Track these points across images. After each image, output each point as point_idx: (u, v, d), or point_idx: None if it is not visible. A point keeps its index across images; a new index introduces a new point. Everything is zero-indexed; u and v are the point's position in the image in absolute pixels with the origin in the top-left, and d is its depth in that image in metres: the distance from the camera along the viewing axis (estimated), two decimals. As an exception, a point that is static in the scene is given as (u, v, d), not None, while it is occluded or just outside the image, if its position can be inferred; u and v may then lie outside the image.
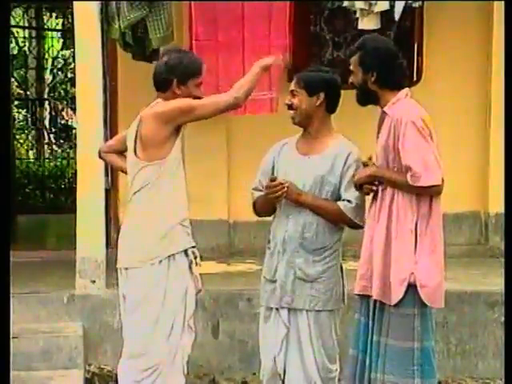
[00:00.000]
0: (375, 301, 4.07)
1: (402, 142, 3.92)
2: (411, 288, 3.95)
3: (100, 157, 4.75)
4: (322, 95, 4.21)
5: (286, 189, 4.15)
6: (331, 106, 4.27)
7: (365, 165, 4.16)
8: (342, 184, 4.20)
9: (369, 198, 4.22)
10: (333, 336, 4.28)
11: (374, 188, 4.09)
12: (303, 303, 4.23)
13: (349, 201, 4.18)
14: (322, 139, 4.27)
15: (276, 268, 4.29)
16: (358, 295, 4.18)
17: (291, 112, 4.28)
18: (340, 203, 4.19)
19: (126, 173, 4.50)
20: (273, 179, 4.21)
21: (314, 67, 4.45)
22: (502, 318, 5.95)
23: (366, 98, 4.13)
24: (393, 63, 4.06)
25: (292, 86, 4.29)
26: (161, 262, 4.30)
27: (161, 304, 4.29)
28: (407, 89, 4.11)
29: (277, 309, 4.30)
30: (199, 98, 4.35)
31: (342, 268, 4.33)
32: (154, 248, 4.29)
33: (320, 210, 4.20)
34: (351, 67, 4.13)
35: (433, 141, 3.96)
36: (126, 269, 4.34)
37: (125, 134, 4.53)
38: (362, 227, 4.25)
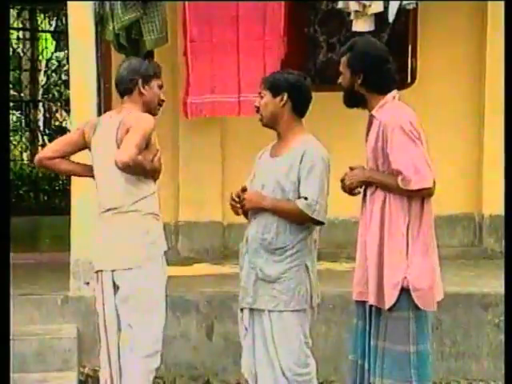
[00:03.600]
0: (371, 305, 4.06)
1: (391, 147, 3.91)
2: (405, 291, 3.94)
3: (42, 165, 4.63)
4: (285, 95, 4.24)
5: (239, 209, 4.27)
6: (297, 107, 4.28)
7: (351, 169, 4.17)
8: (300, 182, 4.20)
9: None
10: (300, 338, 4.24)
11: (359, 190, 4.10)
12: (265, 304, 4.23)
13: (305, 198, 4.17)
14: (287, 141, 4.29)
15: (241, 269, 4.35)
16: (356, 301, 4.18)
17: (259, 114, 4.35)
18: (297, 201, 4.18)
19: (80, 176, 4.72)
20: (243, 189, 4.28)
21: (281, 71, 4.50)
22: (496, 320, 5.96)
23: (353, 100, 4.14)
24: (381, 68, 4.05)
25: (260, 89, 4.35)
26: (162, 257, 4.46)
27: (163, 301, 4.44)
28: (395, 91, 4.09)
29: (242, 310, 4.33)
30: (163, 101, 4.53)
31: (307, 268, 4.26)
32: (156, 245, 4.42)
33: (280, 212, 4.21)
34: (340, 68, 4.13)
35: (422, 143, 3.94)
36: (130, 269, 4.35)
37: (71, 138, 4.63)
38: (323, 223, 4.23)
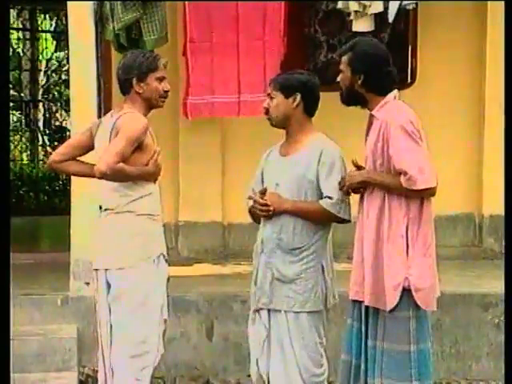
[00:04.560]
0: (367, 305, 4.06)
1: (394, 148, 3.89)
2: (405, 291, 3.94)
3: (52, 168, 4.70)
4: (298, 96, 4.23)
5: (270, 212, 4.21)
6: (309, 107, 4.28)
7: (358, 168, 4.15)
8: (320, 181, 4.20)
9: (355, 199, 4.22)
10: (315, 338, 4.25)
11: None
12: (281, 304, 4.22)
13: (329, 197, 4.17)
14: (301, 140, 4.28)
15: (257, 269, 4.33)
16: (352, 300, 4.17)
17: (268, 116, 4.31)
18: (321, 201, 4.18)
19: (89, 177, 4.56)
20: (263, 192, 4.25)
21: (290, 71, 4.46)
22: (496, 320, 5.97)
23: (352, 99, 4.13)
24: (381, 69, 4.04)
25: (269, 90, 4.31)
26: (158, 258, 4.40)
27: (161, 302, 4.40)
28: (396, 91, 4.08)
29: (258, 310, 4.32)
30: (167, 92, 4.42)
31: (323, 269, 4.26)
32: (151, 245, 4.38)
33: (302, 214, 4.20)
34: (341, 66, 4.12)
35: (423, 142, 3.95)
36: (122, 268, 4.34)
37: (78, 139, 4.61)
38: (349, 221, 4.25)
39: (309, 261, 4.22)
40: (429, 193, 3.94)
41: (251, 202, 4.41)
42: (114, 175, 4.20)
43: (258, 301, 4.29)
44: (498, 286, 5.77)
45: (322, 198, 4.20)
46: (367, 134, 4.11)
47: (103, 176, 4.19)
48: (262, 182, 4.39)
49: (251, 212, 4.42)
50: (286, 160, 4.29)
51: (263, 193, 4.25)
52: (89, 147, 4.53)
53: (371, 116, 4.07)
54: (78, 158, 4.58)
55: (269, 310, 4.27)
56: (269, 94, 4.30)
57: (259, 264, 4.30)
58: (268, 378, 4.30)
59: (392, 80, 4.10)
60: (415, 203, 3.96)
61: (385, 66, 4.07)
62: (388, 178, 3.97)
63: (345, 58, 4.10)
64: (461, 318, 6.02)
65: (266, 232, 4.27)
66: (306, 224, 4.21)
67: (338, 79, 4.14)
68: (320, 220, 4.23)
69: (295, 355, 4.21)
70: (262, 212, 4.23)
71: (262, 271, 4.28)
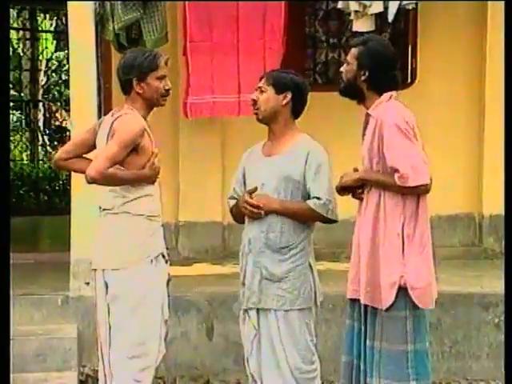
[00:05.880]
0: (366, 305, 4.06)
1: (387, 145, 3.91)
2: (402, 291, 3.94)
3: (58, 166, 4.69)
4: (289, 95, 4.24)
5: (261, 214, 4.21)
6: (297, 108, 4.29)
7: (355, 170, 4.17)
8: (307, 181, 4.20)
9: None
10: (305, 336, 4.25)
11: (361, 194, 4.12)
12: (270, 303, 4.23)
13: (318, 198, 4.18)
14: (284, 140, 4.29)
15: (245, 269, 4.33)
16: (350, 299, 4.17)
17: (255, 108, 4.30)
18: (309, 202, 4.19)
19: None
20: (252, 191, 4.24)
21: (284, 69, 4.46)
22: (496, 320, 5.97)
23: (350, 91, 4.12)
24: (386, 70, 4.04)
25: (260, 83, 4.31)
26: (156, 258, 4.38)
27: (161, 302, 4.38)
28: (394, 91, 4.09)
29: (247, 310, 4.32)
30: (168, 90, 4.38)
31: (311, 266, 4.29)
32: (149, 246, 4.36)
33: (290, 214, 4.21)
34: (348, 57, 4.11)
35: (417, 141, 3.95)
36: (117, 269, 4.33)
37: (83, 137, 4.59)
38: (335, 221, 4.26)
39: (297, 259, 4.24)
40: (422, 190, 3.93)
41: (232, 202, 4.44)
42: (105, 180, 4.19)
43: (248, 301, 4.29)
44: (498, 286, 5.77)
45: (308, 198, 4.22)
46: (364, 133, 4.12)
47: (93, 181, 4.18)
48: (244, 182, 4.40)
49: (233, 212, 4.44)
50: (270, 160, 4.29)
51: (251, 193, 4.25)
52: (93, 145, 4.51)
53: (367, 115, 4.08)
54: (83, 156, 4.57)
55: (258, 310, 4.28)
56: (260, 88, 4.30)
57: (247, 264, 4.30)
58: (260, 377, 4.31)
59: (395, 83, 4.10)
60: (411, 202, 3.96)
61: (391, 68, 4.08)
62: (383, 176, 3.98)
63: (354, 51, 4.08)
64: (461, 318, 6.02)
65: (253, 232, 4.27)
66: (293, 223, 4.23)
67: (341, 69, 4.14)
68: (307, 220, 4.25)
69: (286, 353, 4.22)
70: (253, 214, 4.23)
71: (250, 271, 4.28)
